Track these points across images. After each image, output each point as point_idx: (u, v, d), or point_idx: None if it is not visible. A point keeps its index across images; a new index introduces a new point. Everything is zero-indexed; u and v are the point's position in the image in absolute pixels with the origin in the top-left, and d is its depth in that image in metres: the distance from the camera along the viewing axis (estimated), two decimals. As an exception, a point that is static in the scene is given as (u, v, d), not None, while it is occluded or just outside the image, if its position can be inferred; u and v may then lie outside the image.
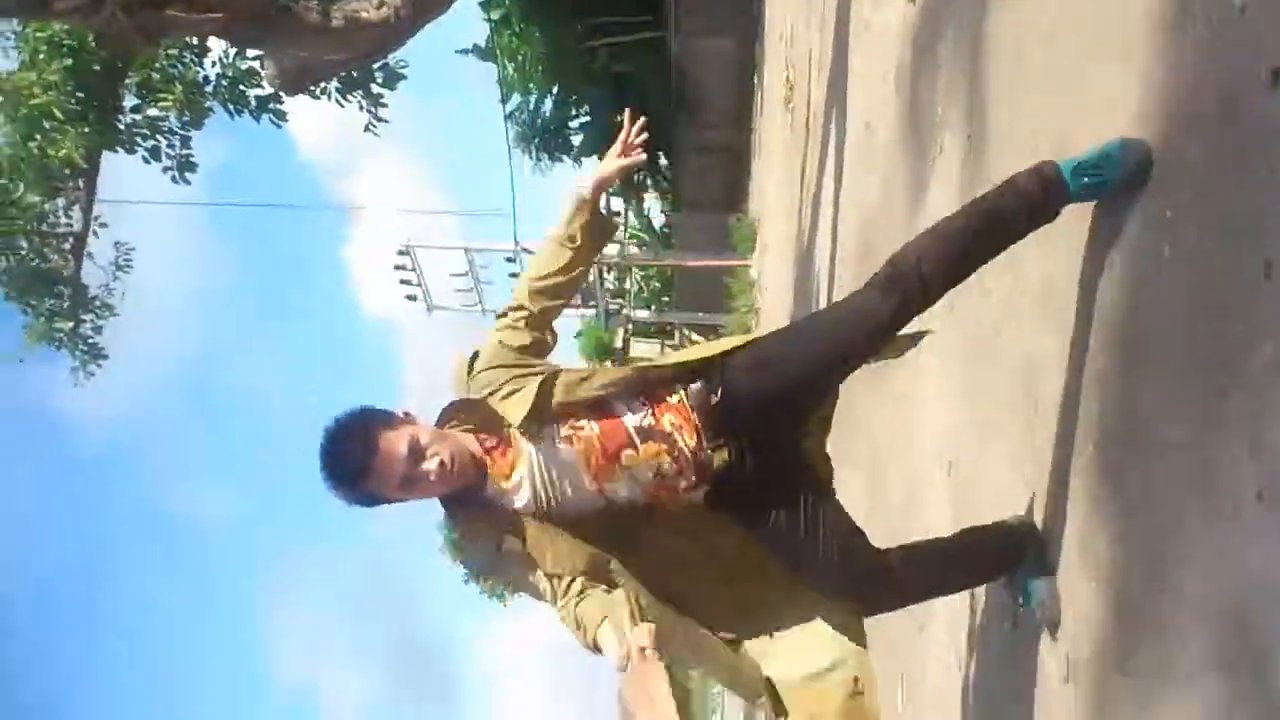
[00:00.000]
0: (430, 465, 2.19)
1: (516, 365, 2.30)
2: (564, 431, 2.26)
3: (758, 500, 2.32)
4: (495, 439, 2.28)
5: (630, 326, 29.06)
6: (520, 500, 2.26)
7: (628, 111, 2.49)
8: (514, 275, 23.97)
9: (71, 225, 12.20)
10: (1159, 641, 1.88)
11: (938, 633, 3.47)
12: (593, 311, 25.56)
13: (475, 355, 2.33)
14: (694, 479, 2.29)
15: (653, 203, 29.16)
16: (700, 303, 24.99)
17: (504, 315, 2.39)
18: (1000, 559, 2.49)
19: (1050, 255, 2.57)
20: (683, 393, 2.30)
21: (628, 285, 28.09)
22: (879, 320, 2.24)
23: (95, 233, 12.30)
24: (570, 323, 30.46)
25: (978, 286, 3.21)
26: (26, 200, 11.05)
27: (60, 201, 12.03)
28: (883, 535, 4.32)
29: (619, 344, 29.68)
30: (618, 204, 27.93)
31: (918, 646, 3.71)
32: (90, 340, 12.15)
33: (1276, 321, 1.60)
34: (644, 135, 2.46)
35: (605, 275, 24.95)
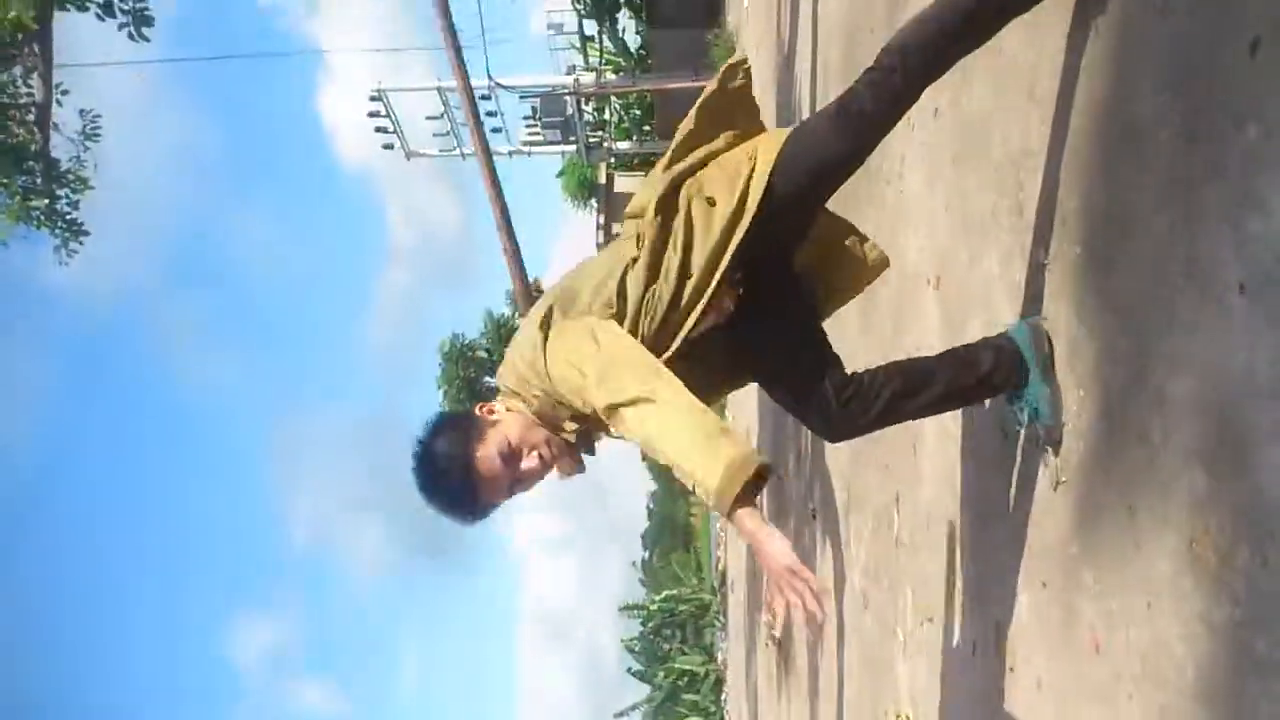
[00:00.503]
0: (531, 463, 2.26)
1: None
2: None
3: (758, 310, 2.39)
4: None
5: (612, 160, 28.58)
6: None
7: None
8: (490, 114, 23.46)
9: (33, 95, 11.85)
10: (1144, 442, 1.87)
11: (931, 449, 3.49)
12: (573, 147, 25.09)
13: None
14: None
15: (626, 22, 28.21)
16: (684, 130, 24.48)
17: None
18: (987, 380, 2.38)
19: (1035, 43, 2.46)
20: None
21: (607, 115, 27.51)
22: (874, 124, 2.31)
23: (58, 101, 11.96)
24: (551, 161, 29.99)
25: (963, 86, 3.11)
26: (-17, 73, 10.71)
27: (17, 70, 11.65)
28: (877, 358, 4.31)
29: (602, 179, 29.28)
30: (591, 27, 27.05)
31: (910, 466, 3.75)
32: (69, 216, 11.95)
33: (1259, 103, 1.52)
34: None
35: (584, 106, 24.38)
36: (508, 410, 2.31)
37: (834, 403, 2.29)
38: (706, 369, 2.36)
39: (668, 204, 2.32)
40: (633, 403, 2.06)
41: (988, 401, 2.74)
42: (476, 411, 2.33)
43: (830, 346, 2.43)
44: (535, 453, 2.26)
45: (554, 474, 2.38)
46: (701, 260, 2.25)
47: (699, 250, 2.26)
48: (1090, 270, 2.16)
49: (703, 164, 2.40)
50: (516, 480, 2.27)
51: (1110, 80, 2.08)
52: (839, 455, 5.53)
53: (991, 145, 2.85)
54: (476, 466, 2.23)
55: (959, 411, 3.07)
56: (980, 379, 2.36)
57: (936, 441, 3.39)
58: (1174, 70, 1.79)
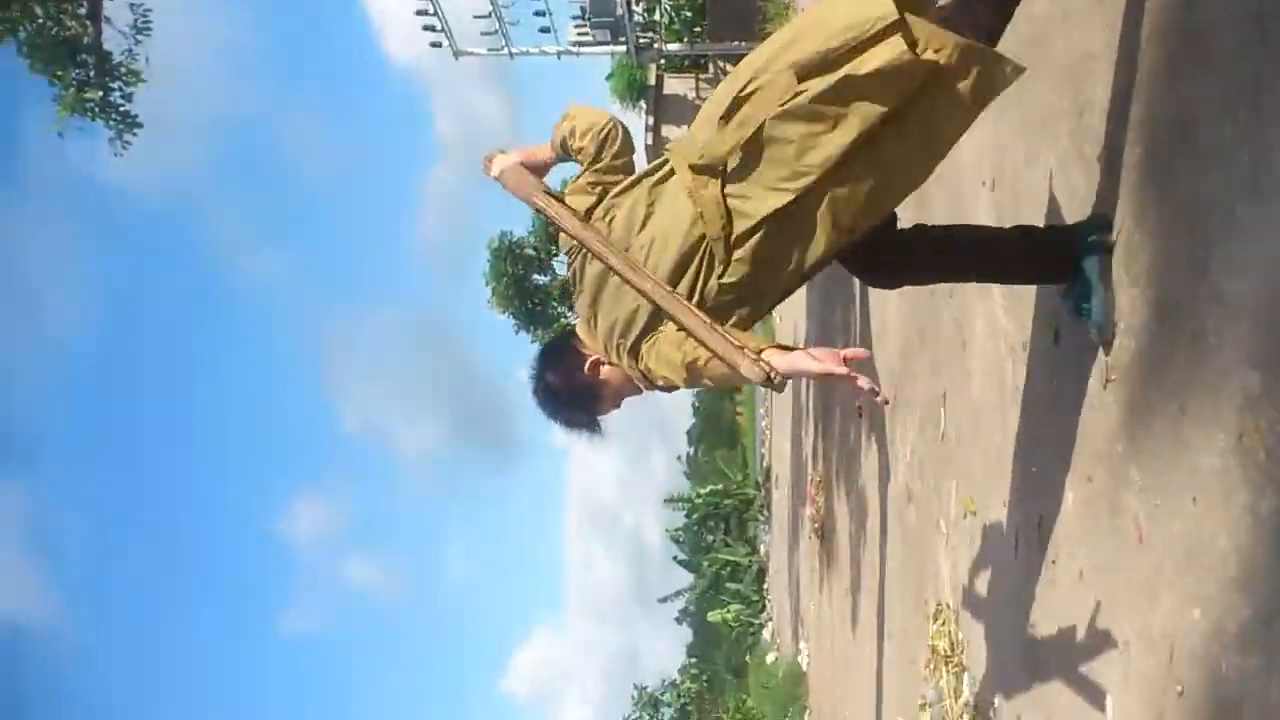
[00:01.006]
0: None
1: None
2: None
3: None
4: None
5: (663, 62, 28.12)
6: None
7: None
8: (539, 13, 23.10)
9: (84, -12, 11.88)
10: (1198, 342, 1.91)
11: (980, 347, 3.53)
12: (623, 48, 24.71)
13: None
14: None
15: (681, -84, 27.49)
16: (736, 31, 24.02)
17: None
18: (1044, 259, 2.48)
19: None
20: None
21: (657, 16, 26.97)
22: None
23: (110, -7, 11.98)
24: (601, 63, 29.57)
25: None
26: (32, -36, 10.73)
27: (69, -36, 11.67)
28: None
29: (651, 81, 28.83)
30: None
31: (961, 362, 3.79)
32: (122, 109, 12.06)
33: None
34: None
35: (634, 6, 23.94)
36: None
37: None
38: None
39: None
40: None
41: (1035, 299, 2.79)
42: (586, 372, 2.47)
43: None
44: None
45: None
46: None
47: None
48: (1151, 172, 2.17)
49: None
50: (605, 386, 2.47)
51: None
52: (888, 352, 5.57)
53: (1054, 47, 2.83)
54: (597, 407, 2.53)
55: (1010, 309, 3.10)
56: (1032, 258, 2.50)
57: (987, 340, 3.43)
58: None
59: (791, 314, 14.62)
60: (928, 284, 2.78)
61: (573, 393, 2.49)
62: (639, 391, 2.49)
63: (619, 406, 2.55)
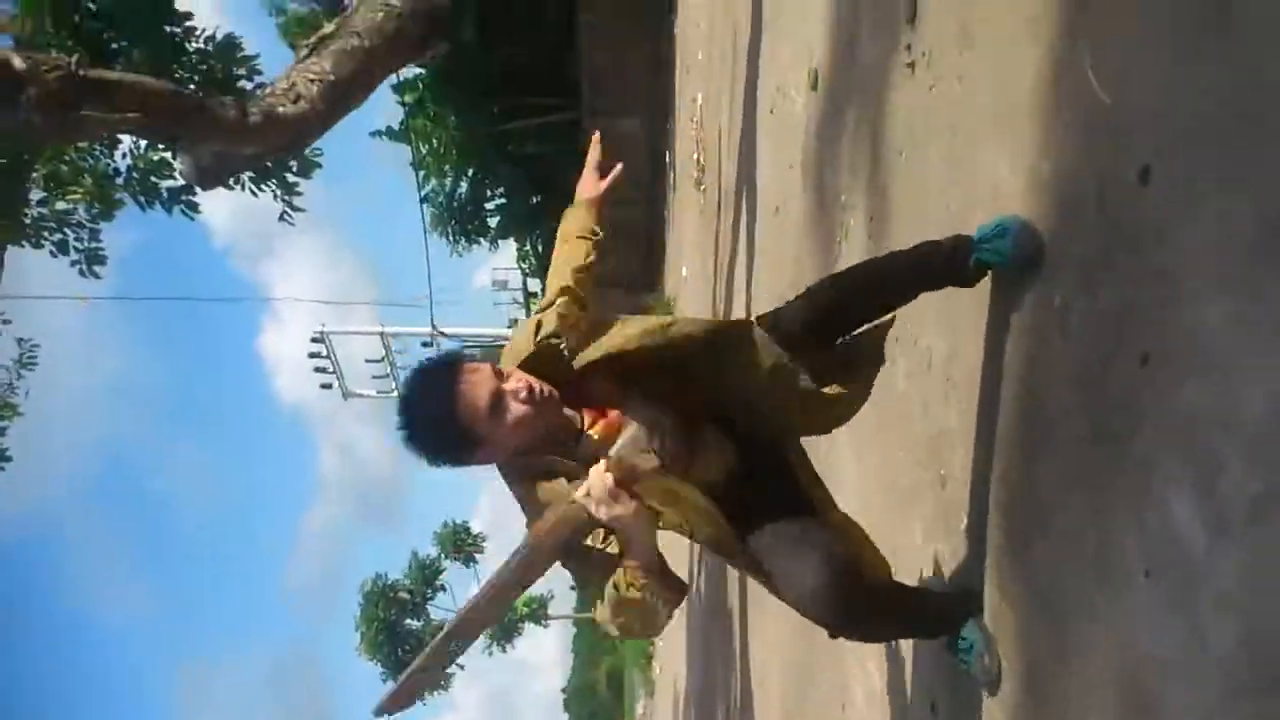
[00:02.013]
0: (516, 384, 2.16)
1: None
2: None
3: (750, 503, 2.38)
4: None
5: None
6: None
7: (596, 135, 2.79)
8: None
9: (-30, 327, 11.87)
10: (1064, 717, 1.95)
11: (858, 714, 3.50)
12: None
13: (539, 324, 2.34)
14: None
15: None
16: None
17: (552, 304, 2.43)
18: (934, 620, 2.52)
19: (953, 334, 2.68)
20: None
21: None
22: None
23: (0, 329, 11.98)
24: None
25: (887, 368, 3.32)
26: (-72, 298, 10.75)
27: (-37, 299, 11.71)
28: (798, 622, 4.37)
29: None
30: (535, 284, 28.02)
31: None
32: (-7, 444, 11.73)
33: (1152, 409, 1.70)
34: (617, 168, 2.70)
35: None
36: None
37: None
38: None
39: None
40: None
41: (912, 668, 2.81)
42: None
43: None
44: (523, 381, 2.18)
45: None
46: None
47: None
48: (1009, 548, 2.28)
49: None
50: (499, 398, 2.15)
51: (1022, 377, 2.27)
52: (770, 715, 5.44)
53: (913, 420, 3.03)
54: (462, 370, 2.16)
55: (892, 680, 3.11)
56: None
57: (866, 705, 3.40)
58: (1080, 374, 1.98)
59: (672, 666, 14.28)
60: None
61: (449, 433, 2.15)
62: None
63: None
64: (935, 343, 2.84)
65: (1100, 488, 1.86)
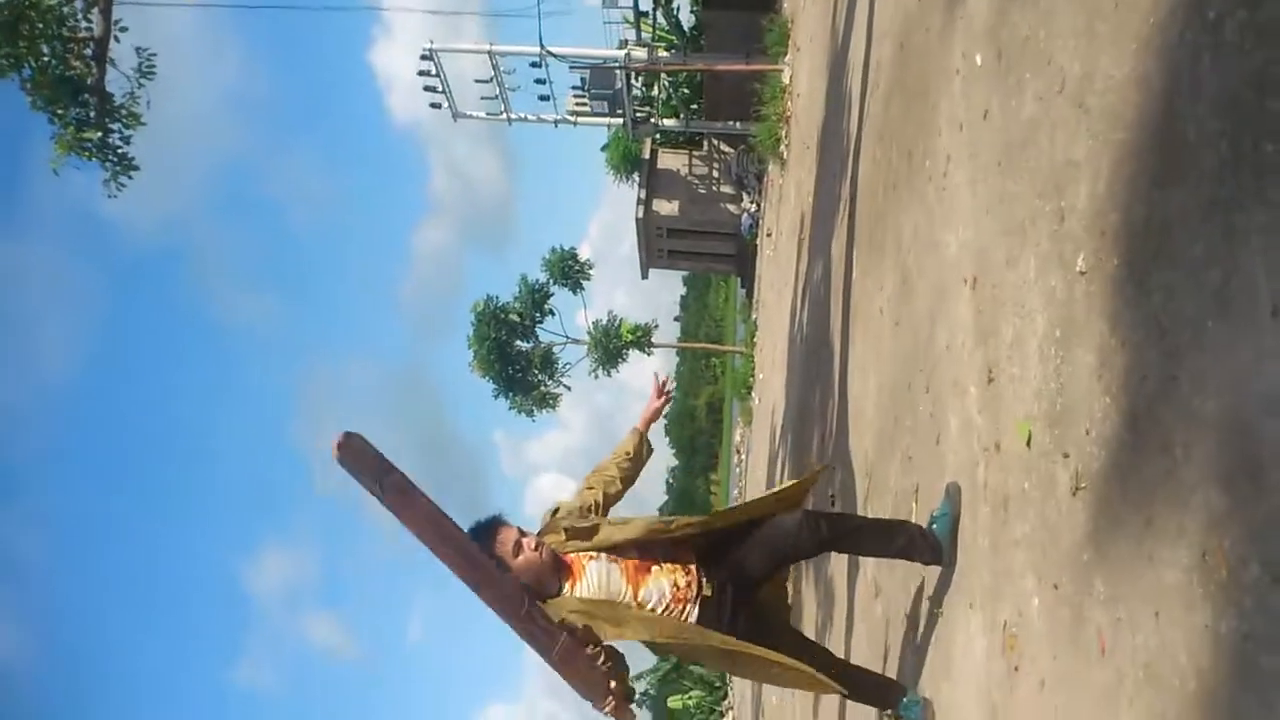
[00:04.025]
0: (529, 540, 3.33)
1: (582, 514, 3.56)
2: (613, 557, 3.40)
3: (731, 611, 3.40)
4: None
5: (658, 136, 28.39)
6: (582, 592, 3.34)
7: (654, 375, 3.92)
8: (539, 81, 23.39)
9: (92, 29, 11.97)
10: (1166, 456, 1.91)
11: (954, 442, 3.53)
12: (620, 121, 25.01)
13: (557, 508, 3.59)
14: (696, 593, 3.37)
15: (682, 0, 28.06)
16: (730, 110, 24.42)
17: (585, 489, 3.68)
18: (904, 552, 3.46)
19: (1091, 52, 2.49)
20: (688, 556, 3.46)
21: (655, 92, 27.41)
22: (799, 548, 3.45)
23: (116, 38, 12.07)
24: (597, 134, 29.91)
25: (1014, 91, 3.13)
26: (46, 3, 10.80)
27: (79, 3, 11.77)
28: (908, 347, 4.35)
29: (646, 154, 29.07)
30: (646, 2, 26.93)
31: (936, 457, 3.79)
32: (120, 150, 12.08)
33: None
34: (669, 387, 3.91)
35: (633, 81, 24.30)
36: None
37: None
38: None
39: None
40: None
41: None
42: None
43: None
44: (533, 538, 3.38)
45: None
46: None
47: None
48: (1126, 283, 2.19)
49: None
50: (518, 544, 3.33)
51: (1160, 97, 2.10)
52: (863, 442, 5.57)
53: (1038, 152, 2.88)
54: (499, 530, 3.41)
55: (986, 411, 3.10)
56: (899, 550, 3.45)
57: (960, 436, 3.43)
58: (1223, 93, 1.81)
59: (771, 395, 14.63)
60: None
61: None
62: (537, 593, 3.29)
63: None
64: (1070, 63, 2.64)
65: (1233, 215, 1.74)
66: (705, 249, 32.48)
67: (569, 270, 29.28)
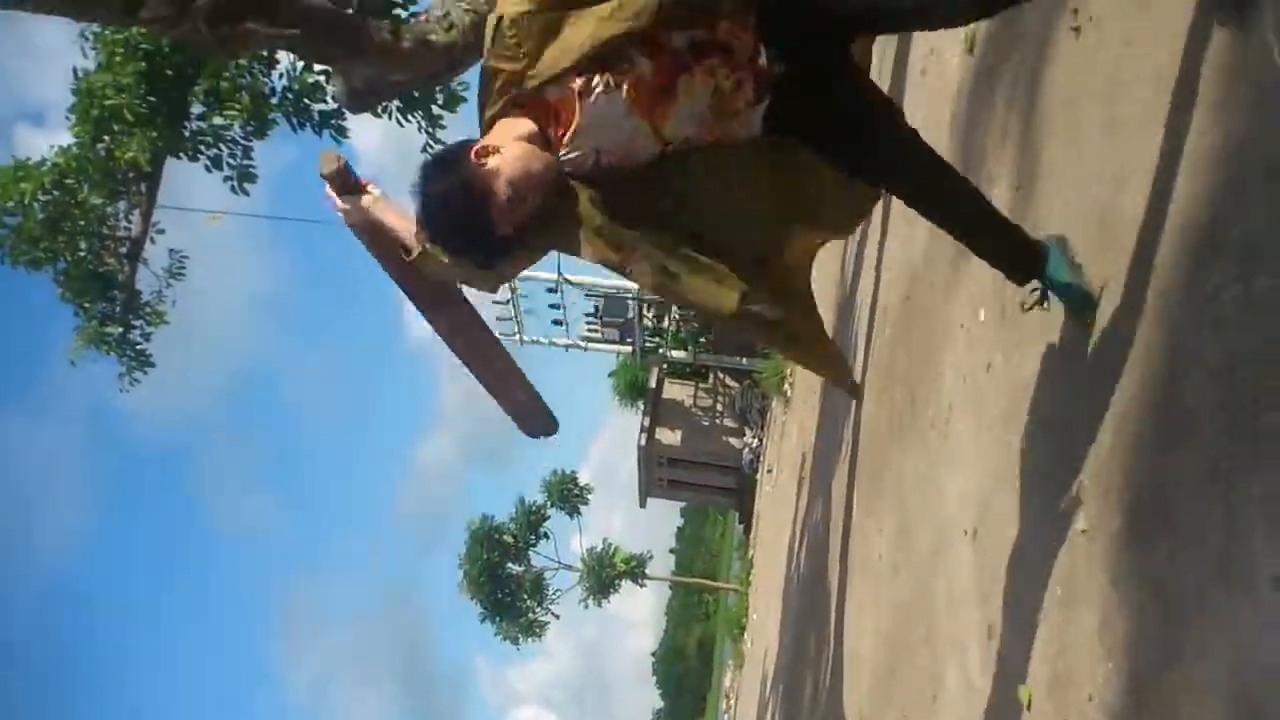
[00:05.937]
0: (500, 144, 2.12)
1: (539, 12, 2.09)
2: (607, 79, 2.08)
3: (815, 106, 2.21)
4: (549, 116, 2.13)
5: (665, 366, 28.90)
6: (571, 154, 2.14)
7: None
8: (554, 306, 24.08)
9: (130, 230, 12.40)
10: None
11: (949, 700, 3.41)
12: (629, 349, 25.57)
13: (500, 19, 2.14)
14: (753, 93, 2.14)
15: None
16: (738, 346, 24.96)
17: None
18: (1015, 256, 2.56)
19: (1080, 322, 2.55)
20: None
21: (665, 324, 28.11)
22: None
23: (152, 239, 12.50)
24: (606, 359, 30.52)
25: (1017, 346, 3.19)
26: (90, 202, 11.23)
27: (121, 205, 12.25)
28: (907, 596, 4.26)
29: (652, 383, 29.51)
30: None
31: (930, 715, 3.65)
32: (138, 346, 12.29)
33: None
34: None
35: (645, 312, 24.97)
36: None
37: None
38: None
39: None
40: None
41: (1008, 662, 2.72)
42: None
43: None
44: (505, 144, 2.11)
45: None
46: None
47: None
48: (1129, 544, 2.16)
49: None
50: (483, 155, 2.10)
51: (1162, 363, 2.13)
52: (857, 695, 5.37)
53: (1040, 407, 2.90)
54: (462, 150, 2.14)
55: (988, 652, 3.00)
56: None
57: (959, 695, 3.30)
58: (1224, 367, 1.84)
59: (763, 640, 14.25)
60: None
61: (459, 198, 2.08)
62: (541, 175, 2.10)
63: (523, 215, 2.12)
64: (1060, 328, 2.71)
65: (1234, 483, 1.73)
66: (705, 481, 32.46)
67: (568, 494, 29.21)
